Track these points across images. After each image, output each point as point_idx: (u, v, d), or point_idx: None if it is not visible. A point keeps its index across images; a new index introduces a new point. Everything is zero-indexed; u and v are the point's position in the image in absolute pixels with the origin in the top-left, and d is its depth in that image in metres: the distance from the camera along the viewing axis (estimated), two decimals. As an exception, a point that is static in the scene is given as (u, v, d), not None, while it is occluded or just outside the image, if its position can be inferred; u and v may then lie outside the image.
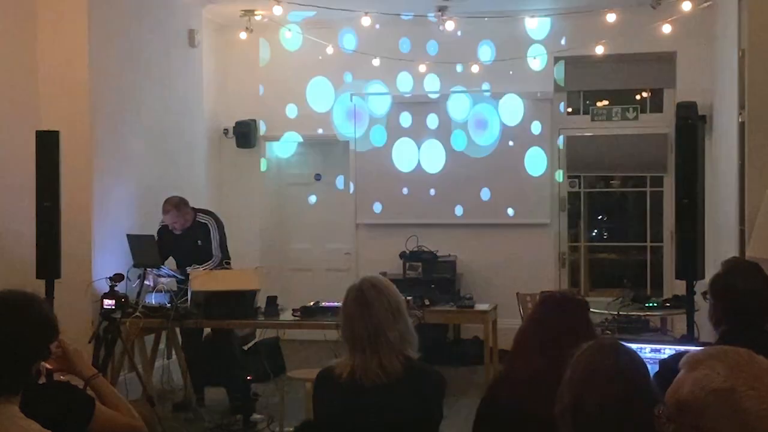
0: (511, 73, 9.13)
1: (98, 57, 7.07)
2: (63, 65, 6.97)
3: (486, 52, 9.14)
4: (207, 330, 7.25)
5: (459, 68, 9.17)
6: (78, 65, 6.97)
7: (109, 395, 2.78)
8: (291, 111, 9.69)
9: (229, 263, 7.12)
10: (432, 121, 9.46)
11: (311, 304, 6.74)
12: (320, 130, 9.72)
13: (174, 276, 7.03)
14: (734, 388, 1.59)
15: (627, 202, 10.22)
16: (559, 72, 9.24)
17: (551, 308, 3.01)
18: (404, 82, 9.40)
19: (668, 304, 7.45)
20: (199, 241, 7.13)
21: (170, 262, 7.27)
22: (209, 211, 7.41)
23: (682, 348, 3.18)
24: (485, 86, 9.26)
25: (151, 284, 6.89)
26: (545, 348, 2.87)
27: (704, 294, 3.32)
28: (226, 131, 9.91)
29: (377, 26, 8.73)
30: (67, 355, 2.75)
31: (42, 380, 2.65)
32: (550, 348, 2.83)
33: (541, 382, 2.73)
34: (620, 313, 7.19)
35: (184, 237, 7.13)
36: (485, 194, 9.37)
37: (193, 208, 7.22)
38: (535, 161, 9.30)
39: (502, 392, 2.97)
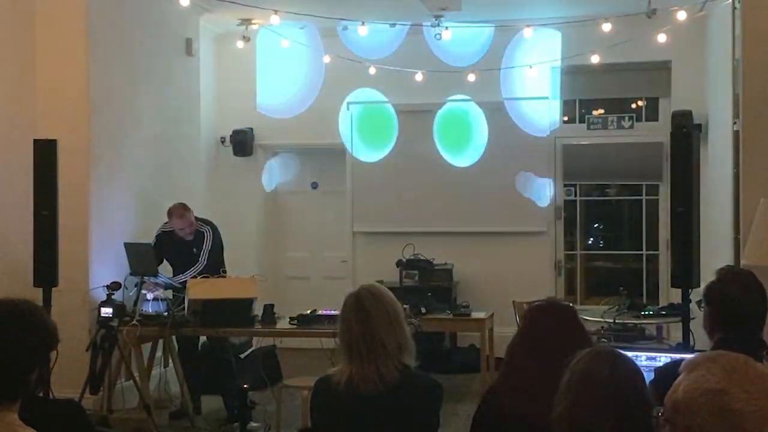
0: (507, 82, 9.16)
1: (96, 66, 7.09)
2: (61, 74, 7.00)
3: (482, 61, 9.16)
4: (203, 338, 7.26)
5: (455, 77, 9.20)
6: (76, 74, 6.99)
7: None
8: (288, 119, 9.71)
9: (225, 273, 7.13)
10: (428, 129, 9.49)
11: (308, 312, 6.75)
12: (317, 139, 9.74)
13: (171, 284, 7.04)
14: (726, 390, 1.61)
15: (623, 211, 10.25)
16: (555, 81, 9.27)
17: (537, 317, 3.05)
18: (401, 91, 9.43)
19: (664, 312, 7.47)
20: (194, 249, 7.14)
21: (166, 270, 7.28)
22: (208, 220, 7.43)
23: (677, 356, 3.20)
24: (481, 95, 9.29)
25: (148, 293, 6.90)
26: (537, 356, 2.89)
27: (699, 303, 3.34)
28: (223, 140, 9.93)
29: (374, 35, 8.75)
30: None
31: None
32: (542, 355, 2.86)
33: (535, 389, 2.75)
34: (616, 321, 7.22)
35: (185, 244, 7.14)
36: (482, 202, 9.39)
37: (195, 217, 7.25)
38: (532, 169, 9.33)
39: (497, 400, 2.98)
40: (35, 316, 2.39)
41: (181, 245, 7.12)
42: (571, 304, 3.24)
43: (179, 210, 7.08)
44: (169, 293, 7.00)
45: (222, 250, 7.34)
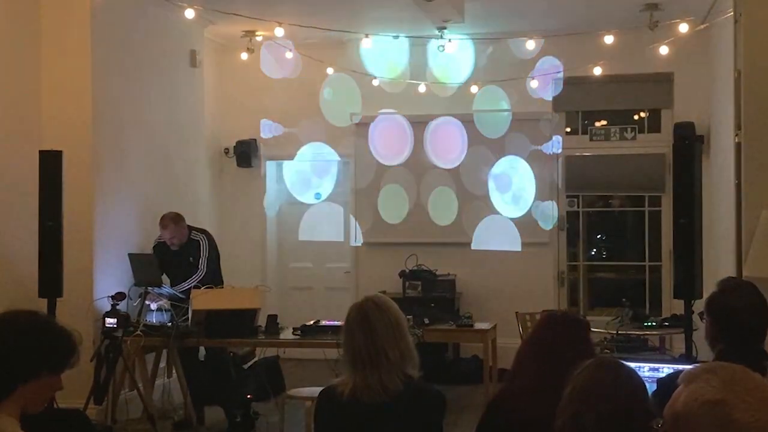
0: (509, 93, 9.18)
1: (100, 77, 7.13)
2: (65, 85, 7.03)
3: (485, 73, 9.20)
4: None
5: (458, 89, 9.23)
6: (80, 85, 7.03)
7: None
8: (291, 130, 9.74)
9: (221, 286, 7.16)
10: (431, 140, 9.51)
11: (311, 322, 6.76)
12: (320, 150, 9.76)
13: (175, 295, 7.05)
14: (726, 400, 1.63)
15: (625, 222, 10.26)
16: (557, 92, 9.30)
17: (552, 327, 3.06)
18: (404, 103, 9.45)
19: (667, 324, 7.47)
20: (191, 258, 7.18)
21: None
22: (203, 229, 7.48)
23: (680, 367, 3.22)
24: (484, 106, 9.31)
25: (152, 303, 6.92)
26: (545, 365, 2.90)
27: (701, 314, 3.35)
28: (226, 151, 9.96)
29: (377, 47, 8.79)
30: None
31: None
32: (551, 365, 2.87)
33: (541, 398, 2.76)
34: (619, 332, 7.22)
35: (179, 254, 7.18)
36: (484, 213, 9.40)
37: (189, 226, 7.28)
38: (534, 181, 9.34)
39: (502, 409, 3.00)
40: (42, 331, 2.41)
41: (177, 255, 7.16)
42: (585, 319, 3.25)
43: (165, 220, 7.13)
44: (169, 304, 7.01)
45: (218, 259, 7.39)
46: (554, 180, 9.43)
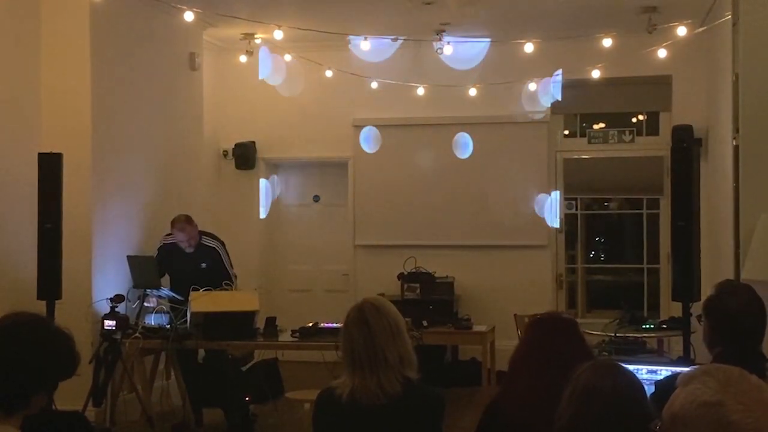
0: (508, 96, 9.20)
1: (100, 80, 7.14)
2: (65, 88, 7.04)
3: (483, 76, 9.20)
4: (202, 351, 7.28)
5: (456, 91, 9.24)
6: (80, 88, 7.04)
7: None
8: (290, 133, 9.75)
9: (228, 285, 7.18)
10: (430, 143, 9.52)
11: (310, 325, 6.77)
12: (319, 152, 9.78)
13: (174, 297, 7.05)
14: (723, 402, 1.64)
15: (624, 224, 10.28)
16: (556, 95, 9.31)
17: (540, 330, 3.07)
18: (403, 105, 9.47)
19: (665, 326, 7.49)
20: (203, 264, 7.17)
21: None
22: (212, 234, 7.48)
23: (678, 369, 3.22)
24: (483, 109, 9.33)
25: (151, 305, 6.92)
26: (540, 368, 2.92)
27: (698, 317, 3.36)
28: (225, 153, 9.97)
29: (376, 50, 8.80)
30: None
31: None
32: (545, 368, 2.88)
33: (538, 401, 2.77)
34: (617, 334, 7.23)
35: (189, 258, 7.17)
36: (484, 215, 9.42)
37: (199, 231, 7.30)
38: (533, 183, 9.35)
39: (499, 413, 3.00)
40: (55, 339, 2.38)
41: (186, 258, 7.16)
42: (572, 317, 3.27)
43: (180, 223, 7.13)
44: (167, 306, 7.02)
45: None
46: (552, 182, 9.44)
